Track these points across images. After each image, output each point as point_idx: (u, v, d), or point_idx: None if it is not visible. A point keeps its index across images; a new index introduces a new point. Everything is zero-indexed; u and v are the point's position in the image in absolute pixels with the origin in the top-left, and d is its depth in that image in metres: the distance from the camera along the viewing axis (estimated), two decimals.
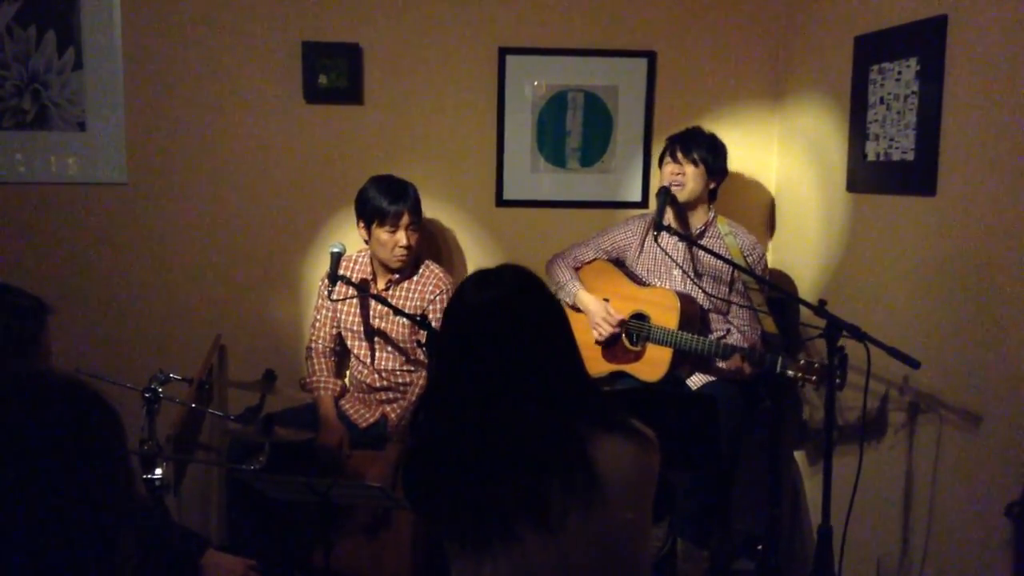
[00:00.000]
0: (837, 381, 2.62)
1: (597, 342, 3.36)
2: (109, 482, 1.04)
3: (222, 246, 3.65)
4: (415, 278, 3.42)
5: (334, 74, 3.57)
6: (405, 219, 3.30)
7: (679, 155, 3.34)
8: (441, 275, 3.44)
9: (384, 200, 3.29)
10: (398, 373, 3.42)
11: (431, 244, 3.72)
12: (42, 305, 2.04)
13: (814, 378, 2.80)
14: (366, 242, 3.39)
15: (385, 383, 3.43)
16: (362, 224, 3.36)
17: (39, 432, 1.00)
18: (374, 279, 3.43)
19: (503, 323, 1.67)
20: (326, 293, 3.40)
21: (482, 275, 1.76)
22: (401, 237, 3.30)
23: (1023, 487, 2.35)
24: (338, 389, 3.47)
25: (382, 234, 3.30)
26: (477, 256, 3.75)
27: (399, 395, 3.43)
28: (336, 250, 3.27)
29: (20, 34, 3.46)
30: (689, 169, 3.31)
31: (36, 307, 2.03)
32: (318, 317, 3.52)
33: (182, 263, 3.64)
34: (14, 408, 1.00)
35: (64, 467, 1.00)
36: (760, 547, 3.46)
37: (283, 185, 3.65)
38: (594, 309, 3.36)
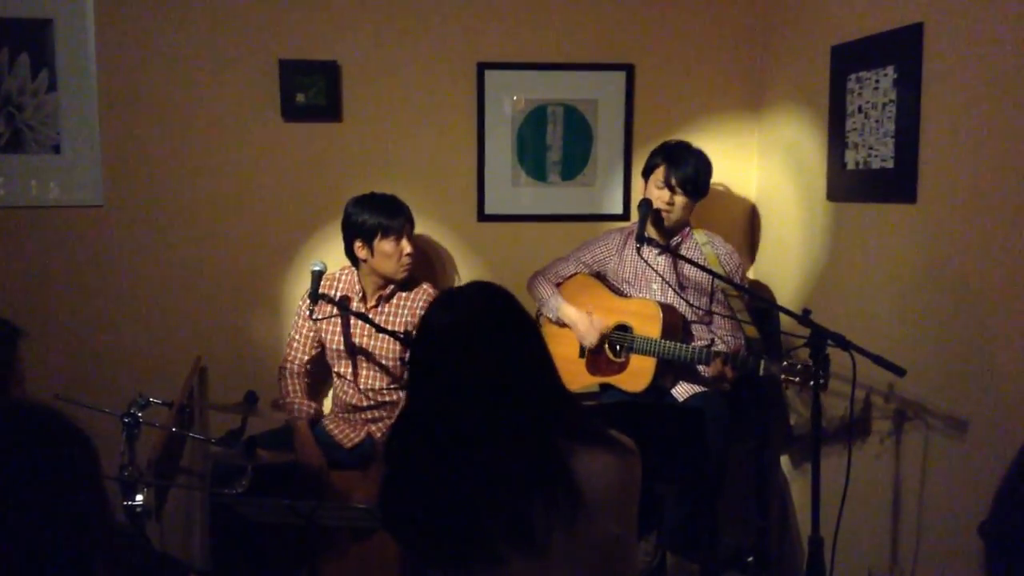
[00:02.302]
0: (820, 382, 2.62)
1: (589, 351, 3.34)
2: (83, 513, 1.01)
3: (201, 267, 3.61)
4: (406, 293, 3.40)
5: (312, 92, 3.56)
6: (408, 227, 3.34)
7: (673, 182, 3.29)
8: (433, 293, 3.42)
9: (383, 215, 3.30)
10: (384, 392, 3.39)
11: (414, 260, 3.69)
12: (13, 329, 2.00)
13: (797, 379, 2.79)
14: (359, 262, 3.36)
15: (371, 402, 3.39)
16: (360, 243, 3.32)
17: (9, 464, 0.97)
18: (363, 296, 3.40)
19: (469, 343, 1.65)
20: (306, 312, 3.37)
21: (448, 295, 1.76)
22: (406, 245, 3.33)
23: (992, 505, 2.34)
24: (312, 411, 3.42)
25: (386, 246, 3.29)
26: (460, 271, 3.73)
27: (385, 414, 3.39)
28: (317, 268, 3.24)
29: None
30: (679, 199, 3.30)
31: (6, 331, 1.99)
32: (296, 337, 3.48)
33: (160, 285, 3.60)
34: None
35: (36, 499, 0.97)
36: (750, 559, 3.45)
37: (262, 204, 3.62)
38: (577, 320, 3.35)
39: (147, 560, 2.18)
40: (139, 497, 2.55)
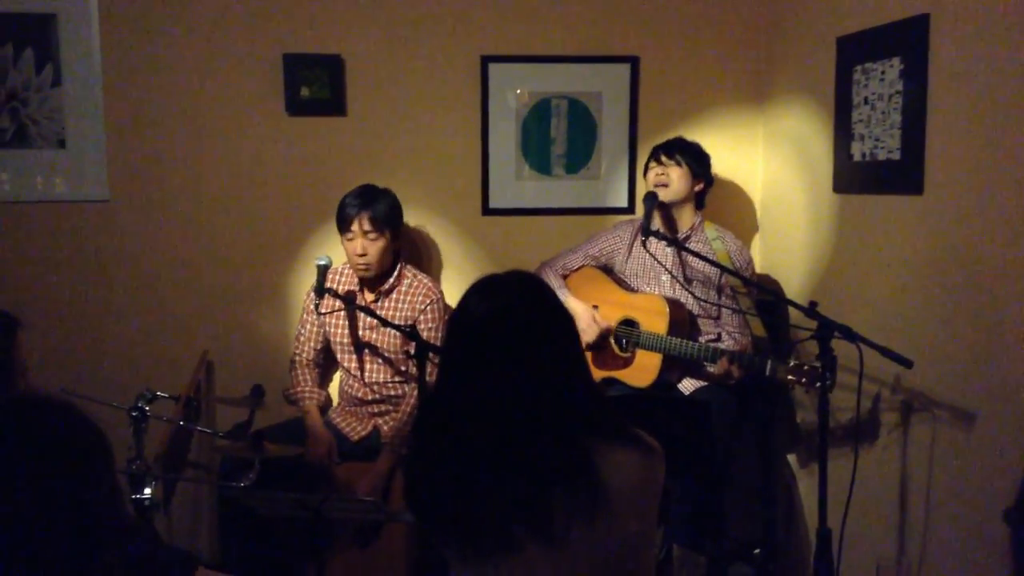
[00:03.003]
0: (828, 383, 2.61)
1: (587, 346, 3.34)
2: (96, 504, 1.02)
3: (207, 261, 3.61)
4: (402, 288, 3.38)
5: (316, 86, 3.55)
6: (362, 226, 3.24)
7: (662, 157, 3.36)
8: (430, 285, 3.41)
9: (347, 208, 3.27)
10: (389, 385, 3.39)
11: (418, 254, 3.70)
12: (11, 319, 2.00)
13: (804, 380, 2.79)
14: None
15: (376, 396, 3.40)
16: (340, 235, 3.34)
17: (24, 455, 0.97)
18: (361, 291, 3.40)
19: (507, 331, 1.64)
20: (312, 306, 3.37)
21: (486, 282, 1.73)
22: (357, 245, 3.25)
23: (1018, 492, 2.34)
24: (322, 399, 3.44)
25: (345, 242, 3.28)
26: (464, 265, 3.72)
27: (391, 407, 3.40)
28: (322, 262, 3.24)
29: None
30: (673, 170, 3.32)
31: (4, 321, 1.99)
32: (303, 331, 3.48)
33: (167, 279, 3.60)
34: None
35: (50, 490, 0.97)
36: (757, 551, 3.45)
37: (267, 198, 3.62)
38: (580, 314, 3.34)
39: (157, 553, 2.19)
40: (147, 490, 2.56)
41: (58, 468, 0.99)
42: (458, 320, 1.71)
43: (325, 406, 3.45)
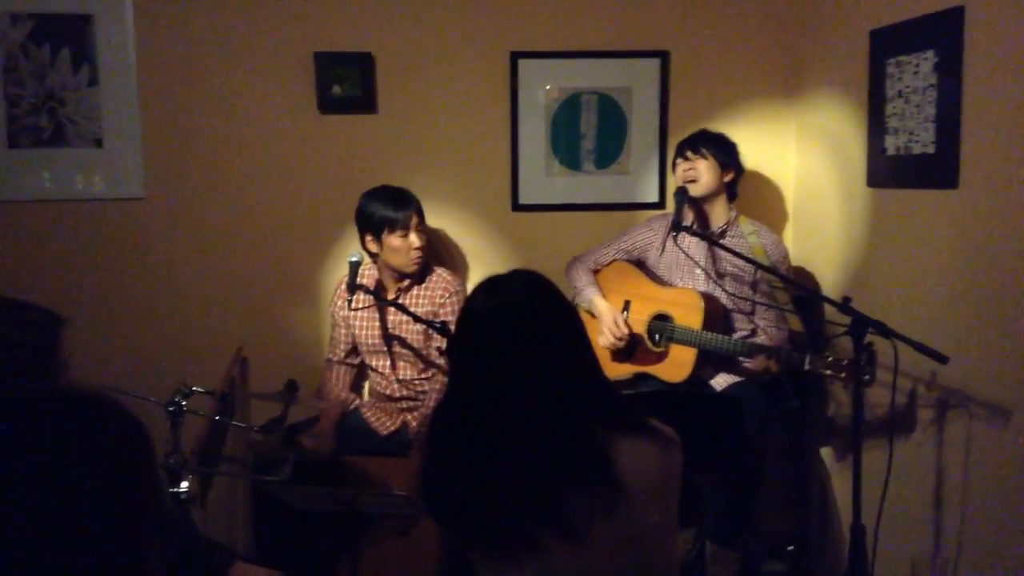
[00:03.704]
0: (866, 377, 2.59)
1: (610, 347, 3.33)
2: (141, 497, 1.03)
3: (240, 258, 3.65)
4: (425, 284, 3.41)
5: (347, 84, 3.58)
6: (414, 221, 3.30)
7: (688, 152, 3.34)
8: (449, 278, 3.43)
9: (390, 208, 3.29)
10: (417, 382, 3.42)
11: (448, 251, 3.71)
12: (57, 318, 2.03)
13: (843, 375, 2.76)
14: (374, 256, 3.38)
15: (406, 392, 3.42)
16: (370, 237, 3.34)
17: (70, 448, 0.99)
18: (384, 291, 3.42)
19: (513, 329, 1.66)
20: (340, 303, 3.41)
21: (492, 281, 1.75)
22: (414, 239, 3.30)
23: None
24: (345, 404, 3.46)
25: (394, 240, 3.30)
26: (494, 262, 3.73)
27: (420, 403, 3.42)
28: (354, 259, 3.26)
29: (35, 52, 3.48)
30: (701, 163, 3.31)
31: (50, 321, 2.02)
32: (334, 333, 3.55)
33: (201, 275, 3.65)
34: (44, 424, 1.00)
35: (96, 483, 0.99)
36: (791, 548, 3.43)
37: (300, 196, 3.65)
38: (604, 314, 3.34)
39: (197, 546, 2.22)
40: (184, 484, 2.59)
41: (103, 459, 1.01)
42: (464, 318, 1.73)
43: (347, 410, 3.46)
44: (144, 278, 3.62)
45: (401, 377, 3.42)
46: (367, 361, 3.50)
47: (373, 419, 3.41)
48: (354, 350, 3.52)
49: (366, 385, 3.63)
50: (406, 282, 3.39)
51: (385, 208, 3.30)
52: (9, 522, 0.95)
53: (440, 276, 3.43)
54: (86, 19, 3.50)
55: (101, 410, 1.05)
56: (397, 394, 3.42)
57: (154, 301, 3.63)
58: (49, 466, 0.99)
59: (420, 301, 3.39)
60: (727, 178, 3.36)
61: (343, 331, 3.50)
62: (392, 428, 3.39)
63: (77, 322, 2.16)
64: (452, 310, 3.33)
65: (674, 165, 3.43)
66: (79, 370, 2.17)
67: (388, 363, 3.43)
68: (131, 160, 3.57)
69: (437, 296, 3.38)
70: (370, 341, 3.44)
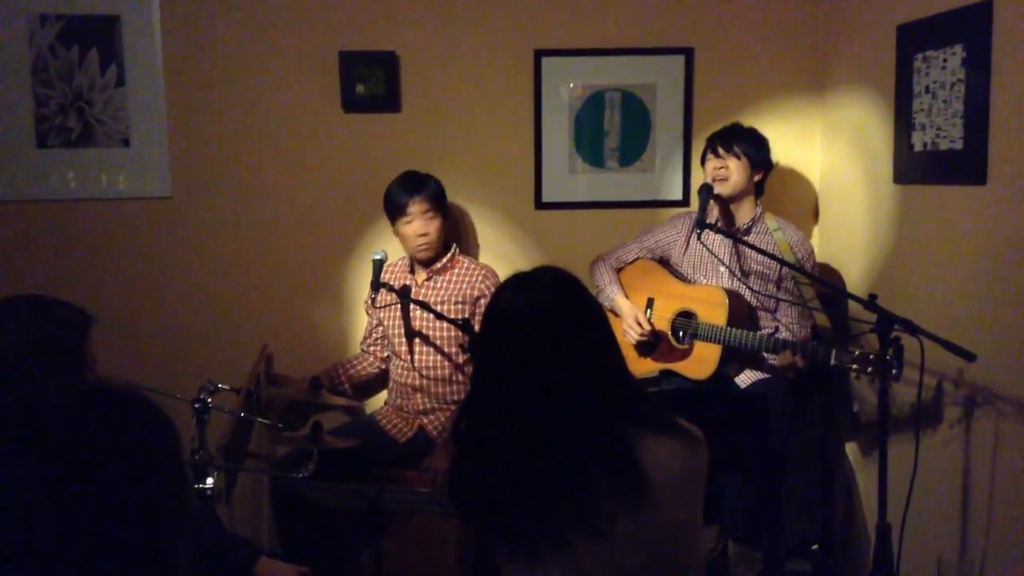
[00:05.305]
0: (893, 372, 2.57)
1: (634, 346, 3.33)
2: (170, 493, 1.04)
3: (266, 256, 3.68)
4: (456, 270, 3.44)
5: (371, 83, 3.59)
6: (420, 206, 3.33)
7: (720, 150, 3.31)
8: (488, 269, 3.46)
9: (400, 194, 3.35)
10: (437, 370, 3.43)
11: (472, 248, 3.72)
12: (85, 316, 2.06)
13: (870, 369, 2.74)
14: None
15: (425, 380, 3.43)
16: (391, 224, 3.40)
17: (100, 443, 1.00)
18: (413, 274, 3.46)
19: (540, 326, 1.66)
20: (369, 302, 3.45)
21: (519, 278, 1.75)
22: (419, 226, 3.32)
23: None
24: (339, 378, 3.55)
25: (403, 227, 3.35)
26: (518, 259, 3.73)
27: (436, 406, 3.42)
28: (378, 257, 3.29)
29: (63, 53, 3.52)
30: (732, 163, 3.28)
31: (79, 318, 2.05)
32: (368, 326, 3.63)
33: (227, 274, 3.68)
34: (74, 419, 1.01)
35: (124, 477, 1.00)
36: (815, 547, 3.41)
37: (324, 194, 3.67)
38: (626, 314, 3.33)
39: (223, 541, 2.24)
40: (209, 480, 2.62)
41: (133, 455, 1.02)
42: (491, 314, 1.72)
43: (335, 387, 3.53)
44: (170, 276, 3.66)
45: (421, 365, 3.43)
46: (392, 349, 3.52)
47: (390, 427, 3.43)
48: (383, 337, 3.57)
49: (385, 393, 3.66)
50: (435, 266, 3.42)
51: (397, 194, 3.36)
52: (40, 515, 0.96)
53: (478, 265, 3.49)
54: (113, 20, 3.53)
55: (130, 406, 1.06)
56: (415, 382, 3.43)
57: (180, 299, 3.67)
58: (78, 460, 1.00)
59: (450, 287, 3.42)
60: (756, 177, 3.33)
61: (374, 322, 3.58)
62: (409, 435, 3.40)
63: (105, 320, 2.19)
64: (489, 294, 3.34)
65: (703, 159, 3.41)
66: (106, 367, 2.20)
67: (408, 351, 3.45)
68: (158, 159, 3.60)
69: (477, 280, 3.41)
70: (395, 331, 3.48)
